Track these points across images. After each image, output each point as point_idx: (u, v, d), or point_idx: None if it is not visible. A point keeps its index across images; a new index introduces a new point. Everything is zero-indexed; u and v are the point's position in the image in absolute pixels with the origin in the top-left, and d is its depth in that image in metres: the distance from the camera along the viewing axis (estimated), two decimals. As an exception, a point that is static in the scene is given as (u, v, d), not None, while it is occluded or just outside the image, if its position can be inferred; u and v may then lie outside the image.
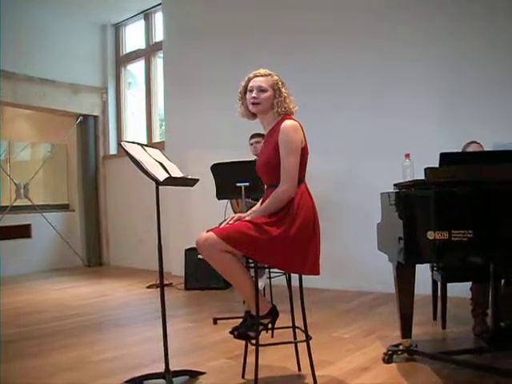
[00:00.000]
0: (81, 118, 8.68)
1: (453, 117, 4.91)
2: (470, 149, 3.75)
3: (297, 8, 5.98)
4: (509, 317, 3.17)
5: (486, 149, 3.71)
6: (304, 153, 2.74)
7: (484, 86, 4.77)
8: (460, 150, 3.77)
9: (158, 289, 2.89)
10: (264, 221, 2.61)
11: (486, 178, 2.76)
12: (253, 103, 2.77)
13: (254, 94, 2.76)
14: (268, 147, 2.77)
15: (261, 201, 2.85)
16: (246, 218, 2.69)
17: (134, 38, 8.86)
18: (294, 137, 2.68)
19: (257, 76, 2.81)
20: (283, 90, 2.78)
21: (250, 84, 2.81)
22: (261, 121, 2.88)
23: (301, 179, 2.73)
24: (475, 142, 3.76)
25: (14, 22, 7.40)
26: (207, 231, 2.64)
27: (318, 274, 2.68)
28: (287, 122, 2.70)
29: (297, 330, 2.93)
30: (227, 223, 2.70)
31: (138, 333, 4.12)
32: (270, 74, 2.80)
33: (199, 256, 2.70)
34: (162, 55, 7.99)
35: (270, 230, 2.57)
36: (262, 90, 2.76)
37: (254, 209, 2.86)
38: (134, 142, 2.91)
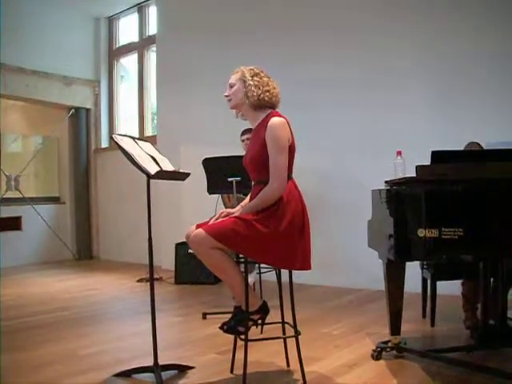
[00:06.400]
0: (73, 110, 8.63)
1: (446, 114, 4.91)
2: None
3: (288, 5, 5.99)
4: (498, 314, 3.18)
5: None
6: (291, 150, 2.73)
7: (478, 82, 4.77)
8: (451, 149, 3.75)
9: (148, 283, 2.89)
10: (253, 217, 2.60)
11: (477, 176, 2.76)
12: (227, 100, 2.86)
13: (225, 93, 2.86)
14: (255, 144, 2.76)
15: (248, 196, 2.84)
16: (235, 214, 2.67)
17: (127, 31, 8.82)
18: (282, 134, 2.67)
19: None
20: (251, 78, 2.77)
21: None
22: (247, 118, 2.89)
23: (288, 176, 2.72)
24: (475, 143, 3.73)
25: (7, 14, 7.29)
26: (197, 226, 2.64)
27: (309, 268, 2.68)
28: (274, 120, 2.69)
29: (286, 326, 2.94)
30: (216, 219, 2.69)
31: (128, 326, 4.11)
32: (240, 70, 2.84)
33: (189, 250, 2.70)
34: (155, 49, 7.95)
35: (259, 227, 2.56)
36: (231, 86, 2.85)
37: (242, 204, 2.85)
38: (125, 136, 2.91)
